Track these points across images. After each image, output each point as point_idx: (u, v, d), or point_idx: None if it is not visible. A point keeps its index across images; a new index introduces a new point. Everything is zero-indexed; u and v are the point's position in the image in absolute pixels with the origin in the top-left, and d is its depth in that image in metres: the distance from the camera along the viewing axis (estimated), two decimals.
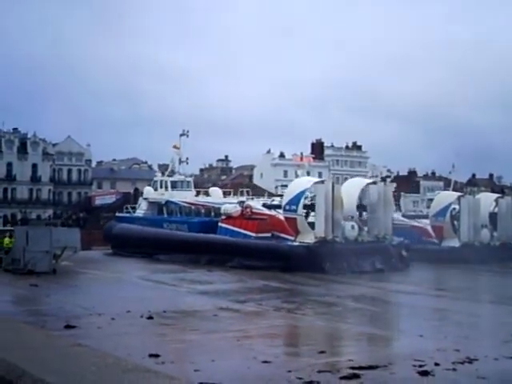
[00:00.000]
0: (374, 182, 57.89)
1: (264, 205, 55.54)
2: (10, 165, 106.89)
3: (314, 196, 50.77)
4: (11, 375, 3.52)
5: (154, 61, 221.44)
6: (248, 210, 54.01)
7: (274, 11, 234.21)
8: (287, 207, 50.95)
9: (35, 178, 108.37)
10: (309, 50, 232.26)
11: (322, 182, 52.15)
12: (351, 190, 53.51)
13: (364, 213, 53.92)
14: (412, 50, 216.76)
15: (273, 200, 57.86)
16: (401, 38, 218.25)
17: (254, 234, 51.96)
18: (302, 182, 53.52)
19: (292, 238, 50.32)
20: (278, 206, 52.95)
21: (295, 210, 50.31)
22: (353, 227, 51.34)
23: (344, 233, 50.65)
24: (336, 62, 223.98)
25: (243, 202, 56.10)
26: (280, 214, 52.06)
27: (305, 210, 50.99)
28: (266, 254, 48.61)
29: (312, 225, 50.24)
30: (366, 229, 52.93)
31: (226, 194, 66.74)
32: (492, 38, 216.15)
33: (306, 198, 51.18)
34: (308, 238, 49.50)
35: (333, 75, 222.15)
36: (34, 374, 3.39)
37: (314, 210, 50.52)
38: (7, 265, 45.11)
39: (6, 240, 48.26)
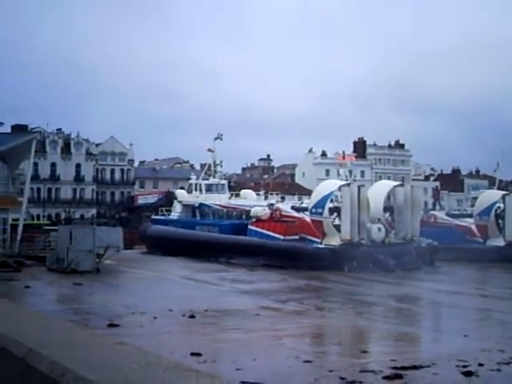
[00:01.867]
0: (401, 185, 57.83)
1: (293, 207, 55.68)
2: (54, 165, 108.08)
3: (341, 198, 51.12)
4: (54, 373, 3.55)
5: (194, 60, 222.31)
6: (277, 212, 54.33)
7: (316, 6, 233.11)
8: (313, 210, 51.23)
9: (79, 178, 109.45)
10: (352, 46, 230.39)
11: (349, 184, 52.05)
12: (378, 192, 53.52)
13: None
14: (458, 45, 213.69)
15: (302, 202, 57.91)
16: (446, 32, 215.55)
17: (281, 237, 52.22)
18: (329, 185, 53.81)
19: (319, 241, 50.44)
20: (307, 209, 53.04)
21: (321, 213, 50.50)
22: (379, 229, 51.28)
23: (370, 235, 50.59)
24: (380, 58, 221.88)
25: (272, 204, 56.41)
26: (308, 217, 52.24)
27: (331, 213, 51.16)
28: (292, 256, 48.96)
29: (338, 227, 50.33)
30: (393, 231, 52.76)
31: (266, 194, 67.15)
32: None
33: (332, 200, 51.37)
34: (334, 241, 49.67)
35: (377, 71, 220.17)
36: (76, 371, 3.41)
37: (339, 213, 50.66)
38: (51, 264, 45.69)
39: None
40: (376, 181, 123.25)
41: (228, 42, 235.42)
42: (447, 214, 71.58)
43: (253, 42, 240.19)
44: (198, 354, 18.23)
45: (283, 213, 54.36)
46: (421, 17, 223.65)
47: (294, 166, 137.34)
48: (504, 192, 66.45)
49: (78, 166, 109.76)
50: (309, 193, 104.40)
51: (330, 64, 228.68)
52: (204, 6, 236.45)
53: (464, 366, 17.77)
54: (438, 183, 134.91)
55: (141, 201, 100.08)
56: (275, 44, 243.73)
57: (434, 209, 58.33)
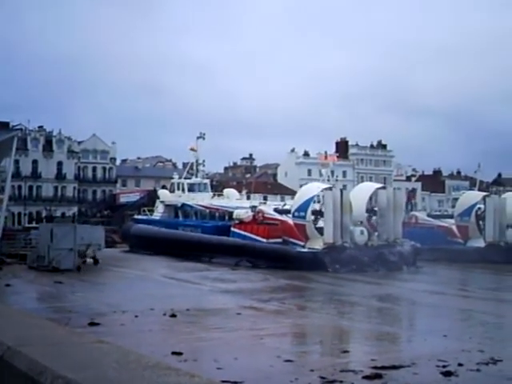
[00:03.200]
0: (384, 187, 58.01)
1: (276, 210, 55.66)
2: (35, 162, 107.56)
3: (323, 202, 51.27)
4: (33, 371, 3.53)
5: (179, 56, 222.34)
6: (260, 214, 54.29)
7: (302, 6, 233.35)
8: (296, 213, 51.25)
9: (60, 176, 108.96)
10: (340, 46, 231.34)
11: (331, 188, 52.18)
12: (360, 195, 53.68)
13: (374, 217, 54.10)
14: (443, 46, 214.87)
15: (285, 204, 57.92)
16: (433, 33, 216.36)
17: (264, 240, 52.25)
18: (311, 188, 53.81)
19: (302, 244, 50.54)
20: (290, 211, 53.08)
21: (304, 217, 50.56)
22: (362, 232, 51.41)
23: (353, 238, 50.72)
24: (367, 58, 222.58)
25: (255, 206, 56.37)
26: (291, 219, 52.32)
27: (313, 216, 51.27)
28: (275, 258, 49.21)
29: (321, 230, 50.49)
30: (376, 233, 52.93)
31: (248, 193, 67.27)
32: None
33: (315, 202, 51.53)
34: (317, 244, 49.78)
35: (363, 71, 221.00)
36: (55, 370, 3.39)
37: (322, 216, 50.78)
38: (32, 262, 45.49)
39: None
40: (358, 181, 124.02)
41: (215, 38, 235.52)
42: (428, 215, 71.90)
43: (241, 40, 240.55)
44: (179, 353, 18.20)
45: (266, 215, 54.36)
46: (408, 18, 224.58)
47: (276, 166, 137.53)
48: (485, 193, 66.89)
49: (59, 163, 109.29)
50: (291, 192, 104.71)
51: (317, 64, 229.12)
52: (193, 0, 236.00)
53: (444, 366, 17.84)
54: (419, 184, 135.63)
55: (123, 199, 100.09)
56: (263, 43, 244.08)
57: (406, 209, 58.51)
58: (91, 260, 46.89)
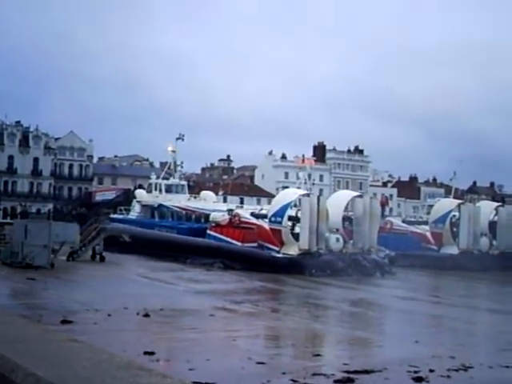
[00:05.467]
0: (361, 196, 58.16)
1: (252, 214, 55.66)
2: (11, 158, 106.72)
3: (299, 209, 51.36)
4: (4, 368, 3.52)
5: (158, 53, 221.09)
6: (236, 218, 54.30)
7: (286, 6, 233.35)
8: (273, 218, 51.28)
9: (36, 172, 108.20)
10: (320, 49, 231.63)
11: (308, 195, 52.31)
12: (337, 202, 53.89)
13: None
14: (422, 54, 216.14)
15: (261, 209, 57.90)
16: (413, 41, 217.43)
17: (239, 244, 52.27)
18: (288, 194, 53.91)
19: (277, 249, 50.59)
20: (266, 216, 53.08)
21: (280, 222, 50.62)
22: (338, 240, 51.67)
23: (329, 245, 50.88)
24: (347, 63, 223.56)
25: (232, 210, 56.34)
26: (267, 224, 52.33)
27: (290, 222, 51.36)
28: (250, 261, 49.24)
29: (297, 236, 50.57)
30: (351, 241, 53.09)
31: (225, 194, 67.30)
32: (506, 43, 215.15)
33: (291, 208, 51.62)
34: (292, 250, 49.85)
35: (343, 76, 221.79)
36: (26, 367, 3.38)
37: (299, 222, 50.87)
38: (5, 258, 45.13)
39: None
40: (335, 185, 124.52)
41: (197, 37, 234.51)
42: (403, 221, 72.32)
43: (223, 38, 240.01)
44: (152, 353, 18.16)
45: (242, 219, 54.34)
46: (390, 25, 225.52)
47: (253, 168, 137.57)
48: (459, 201, 67.41)
49: (35, 159, 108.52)
50: (268, 195, 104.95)
51: (299, 66, 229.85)
52: None
53: (415, 372, 17.95)
54: (394, 190, 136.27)
55: (98, 197, 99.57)
56: (245, 41, 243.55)
57: (381, 215, 58.82)
58: (64, 257, 46.69)
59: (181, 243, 55.25)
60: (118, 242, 60.30)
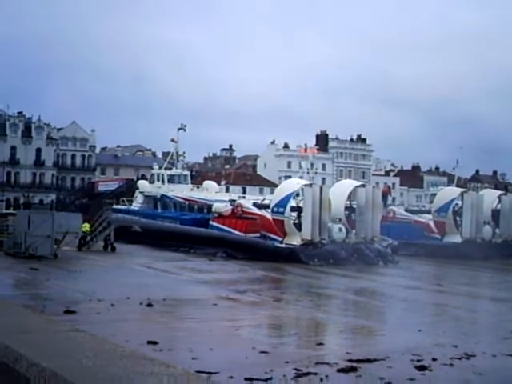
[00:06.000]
0: (363, 185, 58.10)
1: (255, 204, 55.65)
2: (13, 148, 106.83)
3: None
4: (8, 359, 3.53)
5: (160, 43, 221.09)
6: (239, 209, 54.27)
7: None
8: (275, 209, 51.29)
9: (39, 163, 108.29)
10: (324, 37, 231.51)
11: (311, 185, 52.30)
12: (339, 192, 53.81)
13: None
14: (426, 38, 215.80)
15: (264, 199, 57.85)
16: (416, 25, 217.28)
17: (242, 234, 52.28)
18: (291, 185, 53.88)
19: (280, 239, 50.61)
20: (269, 206, 53.11)
21: (283, 212, 50.63)
22: (340, 229, 51.64)
23: (331, 235, 50.91)
24: (351, 49, 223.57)
25: (234, 200, 56.32)
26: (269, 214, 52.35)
27: (293, 213, 51.36)
28: (253, 251, 49.34)
29: (299, 226, 50.59)
30: (353, 231, 53.10)
31: (227, 184, 67.27)
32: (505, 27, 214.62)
33: (294, 198, 51.58)
34: (295, 240, 49.87)
35: (347, 63, 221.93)
36: (30, 357, 3.39)
37: (301, 212, 50.86)
38: (8, 248, 45.27)
39: (86, 226, 51.81)
40: (337, 174, 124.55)
41: (198, 26, 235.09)
42: (406, 210, 72.31)
43: (223, 28, 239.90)
44: (155, 343, 18.21)
45: (245, 209, 54.32)
46: (391, 11, 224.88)
47: (256, 157, 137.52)
48: (462, 189, 67.35)
49: (38, 150, 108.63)
50: (270, 184, 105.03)
51: (301, 55, 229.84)
52: None
53: (418, 361, 17.98)
54: (397, 179, 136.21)
55: (101, 187, 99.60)
56: (246, 32, 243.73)
57: (384, 204, 58.76)
58: (68, 247, 46.79)
59: (184, 233, 55.33)
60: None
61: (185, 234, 55.27)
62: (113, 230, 52.45)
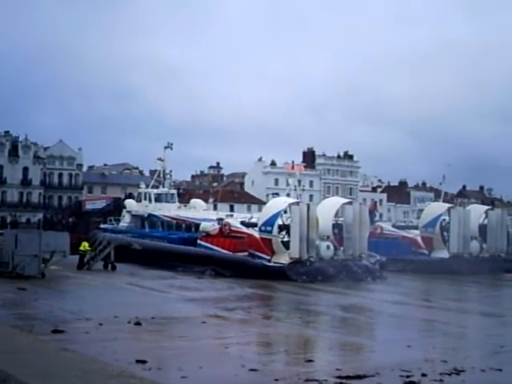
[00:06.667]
0: (350, 202, 58.27)
1: (242, 223, 55.59)
2: (0, 168, 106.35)
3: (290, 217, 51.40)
4: None
5: (147, 59, 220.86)
6: (226, 227, 54.21)
7: (275, 11, 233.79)
8: (263, 228, 51.32)
9: (26, 182, 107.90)
10: (310, 53, 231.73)
11: (298, 203, 52.40)
12: (326, 210, 53.97)
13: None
14: (412, 58, 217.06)
15: (251, 217, 57.80)
16: (403, 45, 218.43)
17: (230, 253, 52.20)
18: (278, 203, 53.93)
19: (268, 258, 50.57)
20: (257, 224, 53.06)
21: (270, 231, 50.68)
22: (328, 247, 51.68)
23: (319, 253, 50.92)
24: (336, 67, 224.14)
25: (222, 219, 56.25)
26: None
27: (282, 232, 51.43)
28: (241, 269, 49.27)
29: (287, 244, 50.61)
30: (341, 248, 53.13)
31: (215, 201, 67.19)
32: (497, 47, 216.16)
33: (282, 216, 51.65)
34: (283, 259, 49.85)
35: (334, 79, 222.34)
36: (18, 377, 3.39)
37: (289, 231, 50.91)
38: None
39: (85, 244, 52.30)
40: (325, 191, 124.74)
41: (185, 43, 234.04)
42: (393, 226, 72.46)
43: (211, 45, 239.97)
44: (144, 362, 18.11)
45: (232, 228, 54.25)
46: (380, 29, 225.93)
47: (243, 175, 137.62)
48: (449, 205, 67.58)
49: (25, 169, 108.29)
50: (258, 202, 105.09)
51: (289, 71, 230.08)
52: (163, 1, 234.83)
53: (407, 376, 17.96)
54: (384, 195, 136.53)
55: (89, 206, 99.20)
56: (234, 48, 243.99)
57: (370, 220, 58.79)
58: (55, 267, 46.53)
59: (172, 252, 55.19)
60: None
61: (172, 252, 55.12)
62: (113, 249, 52.42)
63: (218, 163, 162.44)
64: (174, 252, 55.13)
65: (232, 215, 62.19)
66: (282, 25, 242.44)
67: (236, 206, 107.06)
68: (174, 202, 66.95)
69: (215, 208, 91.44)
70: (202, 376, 17.54)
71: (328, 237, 52.37)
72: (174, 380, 15.91)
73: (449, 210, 63.96)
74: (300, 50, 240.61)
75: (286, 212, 52.48)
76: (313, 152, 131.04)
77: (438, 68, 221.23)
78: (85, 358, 3.84)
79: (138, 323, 25.90)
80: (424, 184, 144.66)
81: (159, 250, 56.86)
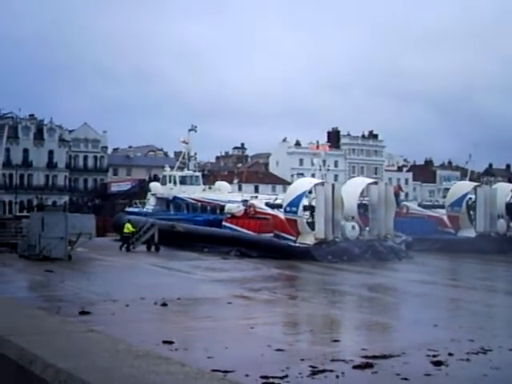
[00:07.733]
0: (375, 182, 57.94)
1: (267, 204, 55.58)
2: (26, 151, 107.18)
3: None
4: (23, 360, 3.53)
5: (171, 41, 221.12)
6: (251, 209, 54.21)
7: None
8: (288, 208, 51.24)
9: (51, 165, 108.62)
10: (333, 31, 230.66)
11: (323, 183, 52.25)
12: (352, 190, 53.79)
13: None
14: (441, 31, 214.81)
15: (276, 199, 57.75)
16: (431, 18, 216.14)
17: (255, 234, 52.21)
18: (303, 184, 53.80)
19: (293, 239, 50.54)
20: (282, 206, 53.01)
21: (295, 212, 50.57)
22: (353, 227, 51.50)
23: (345, 233, 50.79)
24: (364, 43, 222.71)
25: (247, 200, 56.23)
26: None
27: (306, 212, 51.31)
28: (266, 249, 49.33)
29: (313, 225, 50.53)
30: (367, 228, 52.96)
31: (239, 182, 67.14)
32: None
33: (307, 197, 51.49)
34: (308, 240, 49.76)
35: (359, 57, 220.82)
36: (45, 359, 3.39)
37: (314, 211, 50.79)
38: (23, 251, 45.41)
39: (129, 226, 54.08)
40: (349, 171, 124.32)
41: (209, 23, 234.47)
42: (419, 205, 72.12)
43: (234, 24, 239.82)
44: (170, 342, 18.23)
45: (257, 209, 54.28)
46: (404, 1, 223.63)
47: (268, 155, 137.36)
48: (475, 183, 67.11)
49: (50, 152, 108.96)
50: (282, 182, 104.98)
51: (312, 50, 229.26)
52: None
53: (434, 356, 17.91)
54: (410, 174, 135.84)
55: (114, 188, 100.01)
56: (258, 27, 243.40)
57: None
58: (81, 249, 46.91)
59: (198, 233, 55.28)
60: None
61: (197, 233, 55.24)
62: (157, 231, 53.15)
63: (242, 144, 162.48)
64: (199, 233, 55.21)
65: (257, 196, 62.18)
66: (306, 5, 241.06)
67: (261, 187, 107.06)
68: (199, 185, 67.06)
69: (240, 189, 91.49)
70: (227, 356, 17.61)
71: (353, 217, 52.21)
72: (201, 360, 15.96)
73: (475, 188, 63.53)
74: (324, 28, 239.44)
75: (310, 192, 52.41)
76: (337, 132, 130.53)
77: (467, 43, 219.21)
78: (111, 339, 3.84)
79: (164, 304, 26.05)
80: (450, 163, 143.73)
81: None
